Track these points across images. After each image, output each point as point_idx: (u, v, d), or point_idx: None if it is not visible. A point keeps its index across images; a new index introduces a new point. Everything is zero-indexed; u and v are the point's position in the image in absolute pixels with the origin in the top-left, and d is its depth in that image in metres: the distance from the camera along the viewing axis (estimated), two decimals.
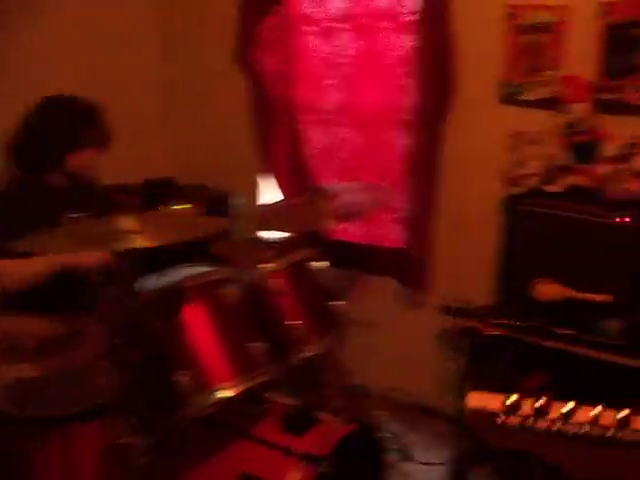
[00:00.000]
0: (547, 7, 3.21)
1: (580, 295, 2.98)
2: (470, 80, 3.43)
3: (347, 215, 3.09)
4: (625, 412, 0.83)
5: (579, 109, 3.09)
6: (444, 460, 3.16)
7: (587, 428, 0.80)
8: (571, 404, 0.88)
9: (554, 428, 0.80)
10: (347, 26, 3.91)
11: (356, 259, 3.86)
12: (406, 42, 3.66)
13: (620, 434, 0.78)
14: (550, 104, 3.24)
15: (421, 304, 3.71)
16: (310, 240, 2.95)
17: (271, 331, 2.44)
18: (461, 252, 3.56)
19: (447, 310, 3.15)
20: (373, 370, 3.56)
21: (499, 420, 0.81)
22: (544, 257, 3.08)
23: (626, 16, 3.06)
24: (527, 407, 0.83)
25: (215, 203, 4.15)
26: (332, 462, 2.35)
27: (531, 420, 0.81)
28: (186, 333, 2.27)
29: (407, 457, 3.32)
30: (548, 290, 3.04)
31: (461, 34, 3.40)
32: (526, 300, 3.05)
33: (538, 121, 3.25)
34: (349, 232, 4.02)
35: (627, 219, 2.94)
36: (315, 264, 2.70)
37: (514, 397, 0.83)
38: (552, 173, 3.14)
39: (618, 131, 3.10)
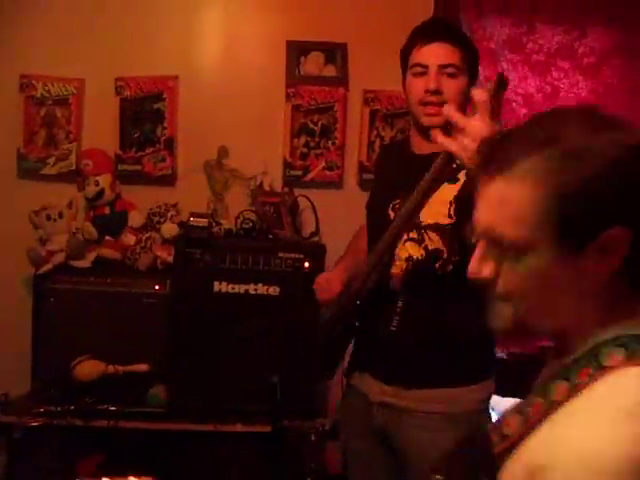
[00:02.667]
0: (62, 79, 3.16)
1: (121, 368, 2.95)
2: None
3: None
4: None
5: (102, 182, 3.08)
6: None
7: None
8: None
9: None
10: None
11: None
12: None
13: None
14: (72, 177, 3.18)
15: None
16: None
17: None
18: None
19: None
20: None
21: None
22: (80, 335, 2.97)
23: (140, 91, 3.18)
24: None
25: None
26: None
27: None
28: None
29: None
30: (88, 368, 2.94)
31: None
32: (68, 382, 2.90)
33: (60, 195, 3.16)
34: None
35: (157, 287, 3.01)
36: None
37: None
38: (79, 248, 3.06)
39: (141, 201, 3.18)
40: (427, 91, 2.08)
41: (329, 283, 2.25)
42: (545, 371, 1.11)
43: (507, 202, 1.02)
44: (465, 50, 2.12)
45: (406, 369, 2.14)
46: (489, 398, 2.18)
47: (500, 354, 3.04)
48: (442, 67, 2.08)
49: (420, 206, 1.99)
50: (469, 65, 2.12)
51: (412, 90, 2.13)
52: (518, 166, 1.00)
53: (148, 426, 2.82)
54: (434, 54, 2.09)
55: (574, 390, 0.97)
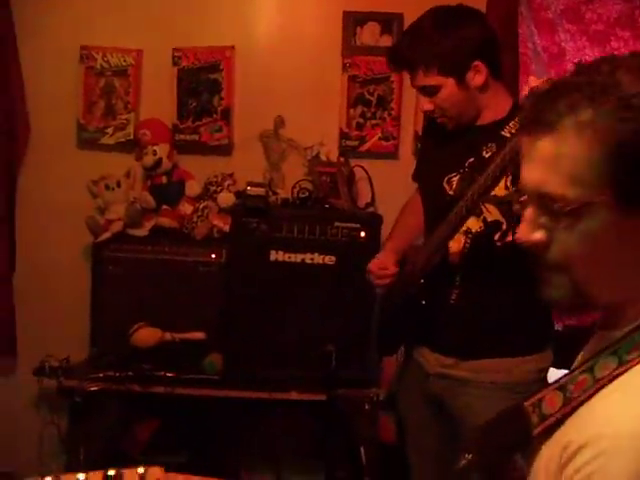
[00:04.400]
0: (121, 50, 3.19)
1: (177, 336, 2.99)
2: (46, 124, 3.24)
3: None
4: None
5: (159, 151, 3.11)
6: None
7: None
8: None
9: None
10: None
11: None
12: None
13: None
14: (130, 147, 3.22)
15: (11, 369, 3.35)
16: None
17: None
18: (50, 306, 3.30)
19: (41, 371, 2.92)
20: None
21: None
22: (138, 302, 3.04)
23: (197, 62, 3.19)
24: None
25: None
26: None
27: None
28: None
29: None
30: (146, 335, 2.99)
31: (34, 76, 3.21)
32: (125, 349, 2.95)
33: (119, 165, 3.21)
34: None
35: (213, 256, 3.04)
36: None
37: None
38: (136, 216, 3.10)
39: (198, 171, 3.20)
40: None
41: (383, 268, 2.24)
42: (591, 344, 1.02)
43: (560, 159, 0.92)
44: (431, 63, 2.01)
45: (463, 340, 2.13)
46: (546, 369, 2.15)
47: (556, 326, 3.00)
48: (421, 89, 2.08)
49: (490, 189, 1.95)
50: (445, 69, 2.00)
51: None
52: (570, 120, 0.91)
53: (203, 393, 2.87)
54: (410, 79, 2.10)
55: (623, 368, 0.89)
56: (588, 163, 0.91)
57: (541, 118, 0.94)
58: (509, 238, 2.04)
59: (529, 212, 0.99)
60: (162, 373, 2.88)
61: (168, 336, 2.99)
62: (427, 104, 2.07)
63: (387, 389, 2.75)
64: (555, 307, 1.08)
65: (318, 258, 2.80)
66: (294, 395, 2.84)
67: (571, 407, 0.91)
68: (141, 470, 0.71)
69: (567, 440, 0.87)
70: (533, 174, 0.96)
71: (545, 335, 2.20)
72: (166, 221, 3.13)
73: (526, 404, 0.98)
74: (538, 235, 0.98)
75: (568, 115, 0.91)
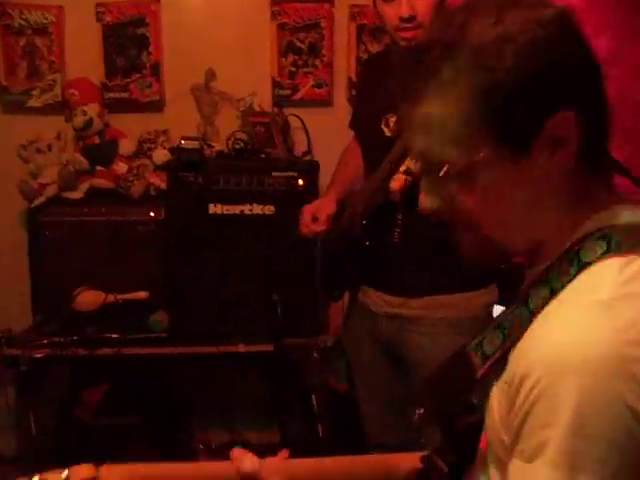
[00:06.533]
0: (40, 7, 3.08)
1: (120, 297, 2.96)
2: None
3: None
4: None
5: (89, 111, 3.03)
6: None
7: None
8: None
9: None
10: None
11: None
12: None
13: None
14: (58, 108, 3.12)
15: None
16: None
17: None
18: None
19: None
20: None
21: None
22: (78, 266, 2.98)
23: (122, 16, 3.11)
24: None
25: None
26: None
27: None
28: None
29: None
30: (88, 299, 2.95)
31: None
32: (69, 314, 2.91)
33: (48, 127, 3.11)
34: None
35: (152, 214, 2.99)
36: None
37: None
38: (70, 179, 3.03)
39: (131, 129, 3.14)
40: (401, 19, 1.97)
41: (317, 212, 2.24)
42: (526, 282, 0.99)
43: (434, 124, 0.92)
44: None
45: (409, 278, 2.15)
46: (492, 304, 2.19)
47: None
48: None
49: None
50: None
51: (385, 17, 2.03)
52: (433, 82, 0.90)
53: (151, 351, 2.85)
54: None
55: (554, 293, 0.89)
56: (460, 122, 0.90)
57: (408, 87, 0.94)
58: None
59: (424, 181, 1.00)
60: (108, 335, 2.84)
61: (111, 298, 2.95)
62: (408, 9, 1.95)
63: (335, 335, 2.76)
64: (472, 264, 1.06)
65: (257, 209, 2.78)
66: (242, 348, 2.83)
67: (510, 342, 0.91)
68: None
69: (511, 374, 0.87)
70: (416, 143, 0.96)
71: (489, 271, 2.23)
72: (101, 182, 3.06)
73: (468, 348, 0.98)
74: (437, 202, 0.98)
75: (431, 78, 0.91)
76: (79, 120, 3.04)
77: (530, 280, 0.96)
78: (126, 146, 3.10)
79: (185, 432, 3.15)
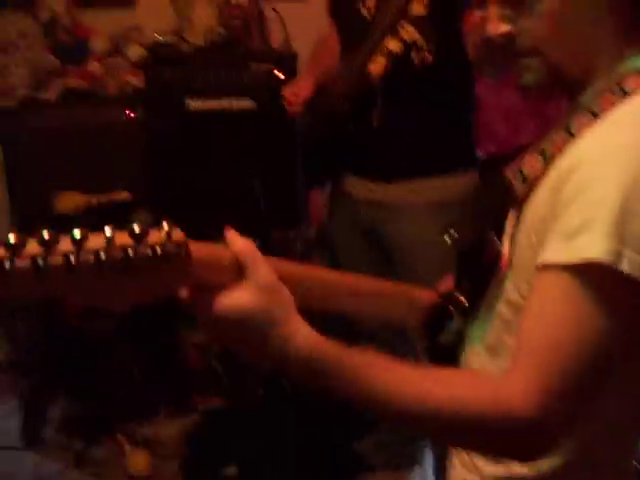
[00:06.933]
0: None
1: (102, 198, 2.93)
2: None
3: None
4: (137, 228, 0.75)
5: (58, 7, 2.94)
6: None
7: (102, 255, 0.69)
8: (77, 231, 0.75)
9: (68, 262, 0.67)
10: None
11: None
12: None
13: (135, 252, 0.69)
14: (26, 5, 3.01)
15: None
16: None
17: None
18: None
19: None
20: None
21: (6, 266, 0.64)
22: (56, 171, 2.93)
23: None
24: (33, 245, 0.68)
25: None
26: None
27: (41, 258, 0.66)
28: None
29: None
30: (69, 201, 2.92)
31: None
32: (50, 218, 2.88)
33: (15, 25, 3.00)
34: None
35: (131, 114, 2.94)
36: None
37: (12, 236, 0.66)
38: (42, 79, 2.95)
39: (102, 26, 3.05)
40: None
41: (297, 92, 2.21)
42: (564, 113, 1.03)
43: None
44: None
45: (388, 162, 2.15)
46: (471, 188, 2.20)
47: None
48: None
49: (407, 5, 1.91)
50: None
51: None
52: None
53: None
54: None
55: (597, 118, 0.92)
56: None
57: None
58: (429, 58, 2.03)
59: (492, 9, 1.05)
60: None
61: (93, 200, 2.92)
62: None
63: (317, 225, 2.78)
64: (534, 93, 1.08)
65: (237, 103, 2.74)
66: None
67: (551, 162, 0.94)
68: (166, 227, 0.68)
69: (555, 176, 0.90)
70: None
71: (469, 152, 2.24)
72: (75, 82, 2.99)
73: (508, 172, 1.00)
74: (505, 27, 1.03)
75: None
76: (44, 15, 2.94)
77: (570, 109, 0.99)
78: (98, 44, 3.02)
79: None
